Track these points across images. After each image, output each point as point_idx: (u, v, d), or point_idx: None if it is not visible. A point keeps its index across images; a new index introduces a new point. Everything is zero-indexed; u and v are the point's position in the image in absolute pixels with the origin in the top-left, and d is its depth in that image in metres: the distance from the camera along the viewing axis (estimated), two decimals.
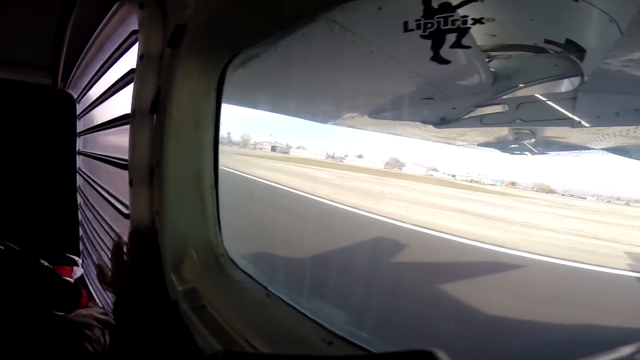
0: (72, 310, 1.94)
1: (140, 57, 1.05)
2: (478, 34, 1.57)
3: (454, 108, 1.67)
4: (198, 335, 0.86)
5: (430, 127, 1.82)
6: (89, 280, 2.83)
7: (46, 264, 2.21)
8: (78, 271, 2.87)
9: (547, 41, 1.68)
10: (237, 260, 0.97)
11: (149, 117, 1.00)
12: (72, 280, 2.62)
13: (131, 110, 1.06)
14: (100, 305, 2.23)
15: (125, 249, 1.07)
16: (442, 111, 1.68)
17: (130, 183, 1.05)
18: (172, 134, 0.89)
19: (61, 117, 2.95)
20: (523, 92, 1.73)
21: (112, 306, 1.12)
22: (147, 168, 1.00)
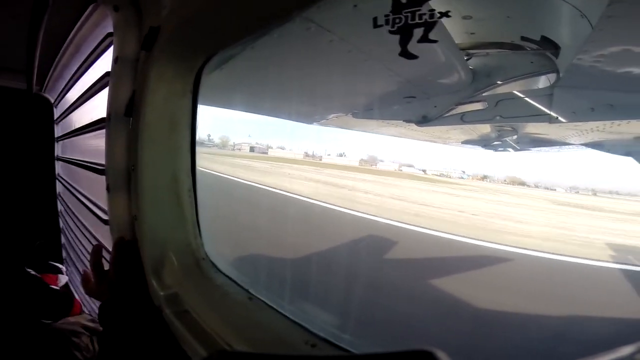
0: (63, 318, 1.90)
1: (115, 60, 1.03)
2: (457, 32, 1.59)
3: (435, 106, 1.69)
4: (182, 341, 0.85)
5: (413, 125, 1.84)
6: (74, 288, 2.76)
7: (32, 272, 2.15)
8: (63, 279, 2.80)
9: (524, 38, 1.72)
10: (219, 264, 0.95)
11: (125, 120, 0.98)
12: (57, 288, 2.55)
13: (107, 114, 1.04)
14: (87, 312, 2.18)
15: (104, 256, 1.04)
16: (424, 109, 1.70)
17: (108, 188, 1.03)
18: (147, 137, 0.87)
19: (38, 122, 2.86)
20: (502, 89, 1.76)
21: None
22: (124, 173, 0.98)
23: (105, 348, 0.97)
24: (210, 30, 0.82)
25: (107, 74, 1.43)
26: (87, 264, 2.02)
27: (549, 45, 1.71)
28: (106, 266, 1.05)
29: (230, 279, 0.91)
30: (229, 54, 0.92)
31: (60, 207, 2.94)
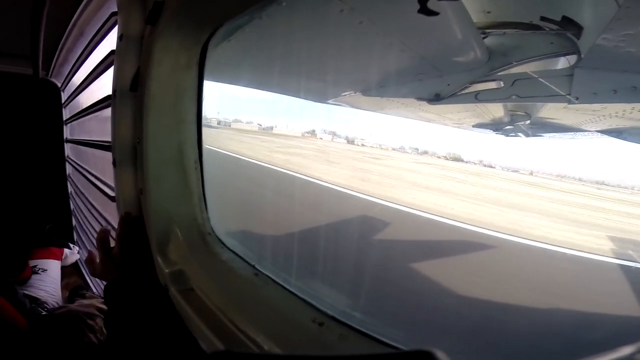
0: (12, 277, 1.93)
1: (120, 38, 1.01)
2: (472, 11, 1.52)
3: (448, 84, 1.63)
4: (188, 320, 0.84)
5: (424, 106, 1.79)
6: (85, 270, 2.81)
7: None
8: (71, 255, 2.83)
9: (543, 18, 1.64)
10: (224, 238, 0.94)
11: (130, 95, 0.96)
12: (59, 261, 2.58)
13: (112, 91, 1.03)
14: (100, 295, 2.21)
15: (111, 235, 1.03)
16: (437, 87, 1.64)
17: (114, 163, 1.02)
18: (152, 109, 0.85)
19: (46, 107, 2.87)
20: (519, 69, 1.69)
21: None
22: (130, 147, 0.97)
23: (111, 328, 0.96)
24: (215, 0, 0.79)
25: (111, 52, 1.42)
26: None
27: (570, 26, 1.62)
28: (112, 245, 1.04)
29: (235, 254, 0.89)
30: (236, 24, 0.89)
31: (70, 188, 2.97)
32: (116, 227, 1.06)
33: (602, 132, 2.39)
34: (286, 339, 0.69)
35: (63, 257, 2.71)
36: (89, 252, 1.10)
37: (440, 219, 4.73)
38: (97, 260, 1.03)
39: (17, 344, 1.38)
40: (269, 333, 0.70)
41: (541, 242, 3.83)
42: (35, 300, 1.97)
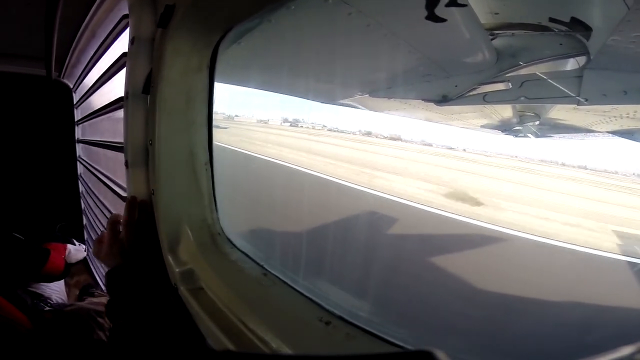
0: (37, 273, 1.93)
1: (132, 41, 1.03)
2: (480, 12, 1.51)
3: (456, 86, 1.63)
4: (197, 318, 0.85)
5: (432, 106, 1.78)
6: (94, 267, 2.85)
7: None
8: (76, 252, 2.83)
9: (552, 20, 1.63)
10: (234, 238, 0.95)
11: (142, 98, 0.99)
12: (62, 257, 2.58)
13: (124, 93, 1.05)
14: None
15: (121, 221, 1.02)
16: (444, 89, 1.64)
17: (126, 164, 1.04)
18: (164, 112, 0.87)
19: (58, 107, 2.93)
20: (527, 70, 1.68)
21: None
22: (142, 148, 0.99)
23: (112, 318, 0.94)
24: (225, 3, 0.80)
25: (123, 54, 1.44)
26: None
27: (579, 27, 1.61)
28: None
29: (245, 254, 0.91)
30: (246, 27, 0.91)
31: (81, 188, 3.03)
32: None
33: (613, 133, 2.36)
34: (293, 338, 0.70)
35: (66, 252, 2.71)
36: (101, 233, 1.09)
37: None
38: (105, 242, 1.01)
39: (18, 343, 1.39)
40: (277, 332, 0.71)
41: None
42: (39, 297, 1.97)
